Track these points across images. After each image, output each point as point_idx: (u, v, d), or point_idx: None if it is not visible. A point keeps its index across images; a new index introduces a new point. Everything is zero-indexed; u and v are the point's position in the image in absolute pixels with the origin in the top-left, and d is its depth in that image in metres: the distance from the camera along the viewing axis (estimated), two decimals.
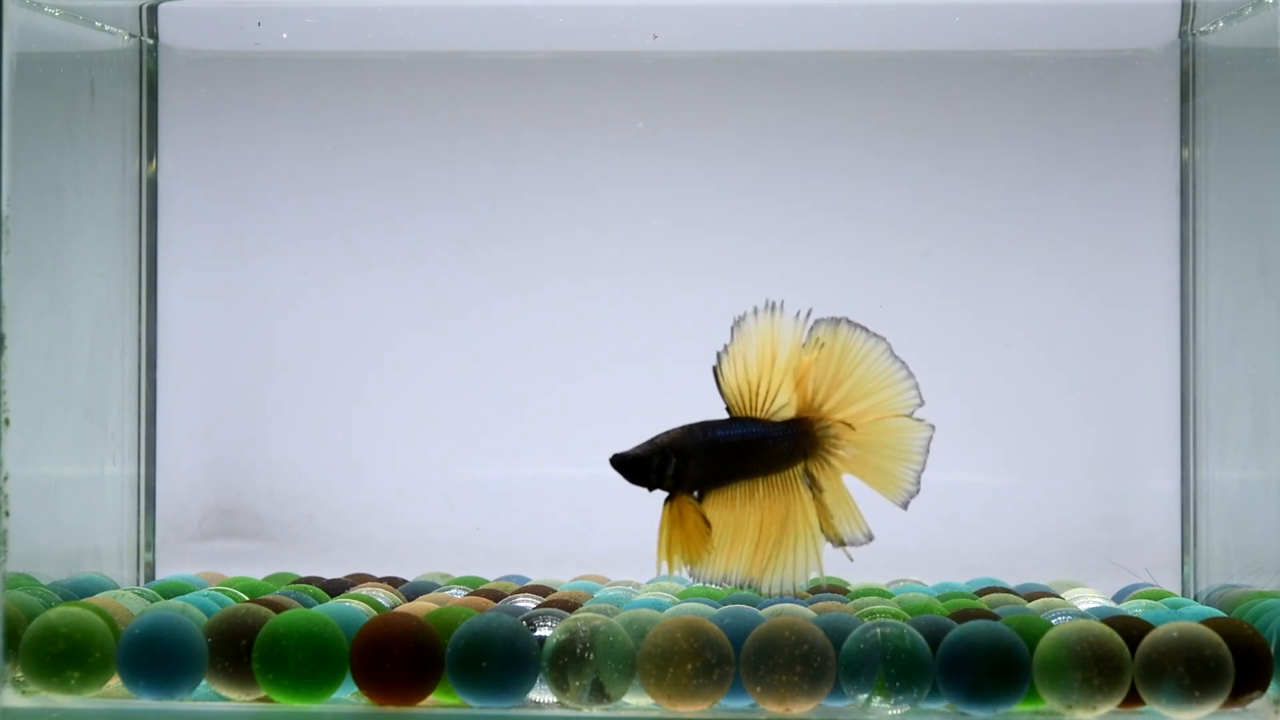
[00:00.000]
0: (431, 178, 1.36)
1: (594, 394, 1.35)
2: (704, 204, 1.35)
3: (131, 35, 1.32)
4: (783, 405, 1.06)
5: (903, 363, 1.07)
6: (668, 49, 1.33)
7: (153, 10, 1.32)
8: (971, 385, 1.34)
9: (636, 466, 1.05)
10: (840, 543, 1.08)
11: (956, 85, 1.34)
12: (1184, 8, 1.28)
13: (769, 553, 1.07)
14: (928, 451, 1.08)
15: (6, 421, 1.01)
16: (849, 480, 1.09)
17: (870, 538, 1.09)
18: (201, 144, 1.36)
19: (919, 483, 1.09)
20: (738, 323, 1.05)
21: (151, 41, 1.33)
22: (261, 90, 1.37)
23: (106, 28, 1.28)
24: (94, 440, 1.26)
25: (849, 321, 1.06)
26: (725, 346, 1.05)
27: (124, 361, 1.30)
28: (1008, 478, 1.34)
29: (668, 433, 1.06)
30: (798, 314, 1.05)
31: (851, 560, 1.08)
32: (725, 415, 1.07)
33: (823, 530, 1.07)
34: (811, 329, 1.06)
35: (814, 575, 1.08)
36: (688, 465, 1.05)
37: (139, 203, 1.32)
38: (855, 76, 1.34)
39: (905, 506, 1.09)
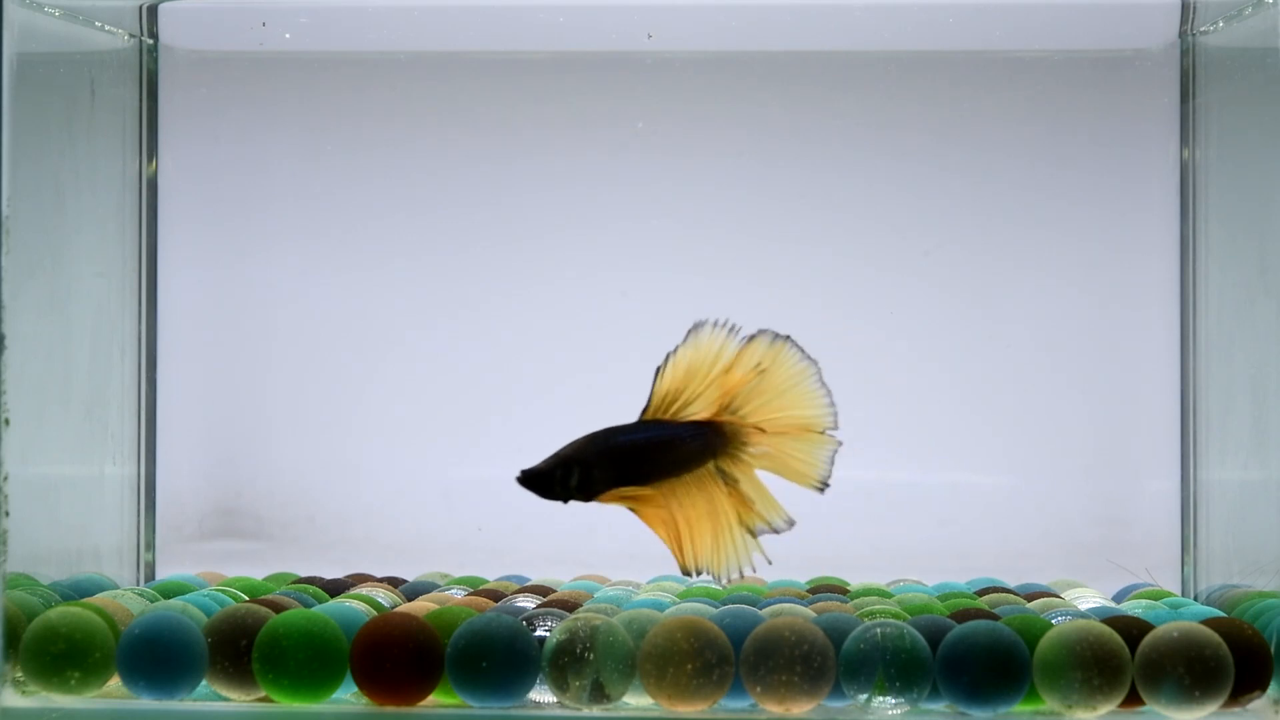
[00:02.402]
0: (431, 177, 1.36)
1: (594, 394, 1.35)
2: (704, 204, 1.35)
3: (131, 35, 1.32)
4: (696, 411, 1.06)
5: (828, 389, 1.07)
6: (668, 49, 1.33)
7: (153, 10, 1.32)
8: (971, 385, 1.34)
9: (541, 481, 1.04)
10: (765, 528, 1.07)
11: (956, 85, 1.34)
12: (1184, 8, 1.28)
13: (707, 544, 1.07)
14: (833, 462, 1.08)
15: (6, 421, 1.01)
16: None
17: (791, 523, 1.08)
18: (201, 144, 1.36)
19: (829, 478, 1.08)
20: (694, 329, 1.06)
21: (151, 41, 1.33)
22: (261, 90, 1.37)
23: (106, 28, 1.29)
24: (94, 440, 1.26)
25: (790, 341, 1.06)
26: (675, 349, 1.06)
27: (124, 361, 1.30)
28: (1008, 478, 1.34)
29: (572, 443, 1.06)
30: (751, 335, 1.05)
31: (770, 563, 1.08)
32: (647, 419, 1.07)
33: (742, 522, 1.07)
34: (752, 338, 1.06)
35: (755, 563, 1.08)
36: (593, 474, 1.04)
37: (139, 202, 1.32)
38: (855, 76, 1.34)
39: (821, 491, 1.08)
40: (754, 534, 1.07)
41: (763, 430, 1.07)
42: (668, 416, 1.06)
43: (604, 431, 1.06)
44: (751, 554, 1.08)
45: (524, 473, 1.05)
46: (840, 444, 1.08)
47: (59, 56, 1.21)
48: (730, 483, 1.07)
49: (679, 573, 1.08)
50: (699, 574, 1.08)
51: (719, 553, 1.07)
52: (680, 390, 1.06)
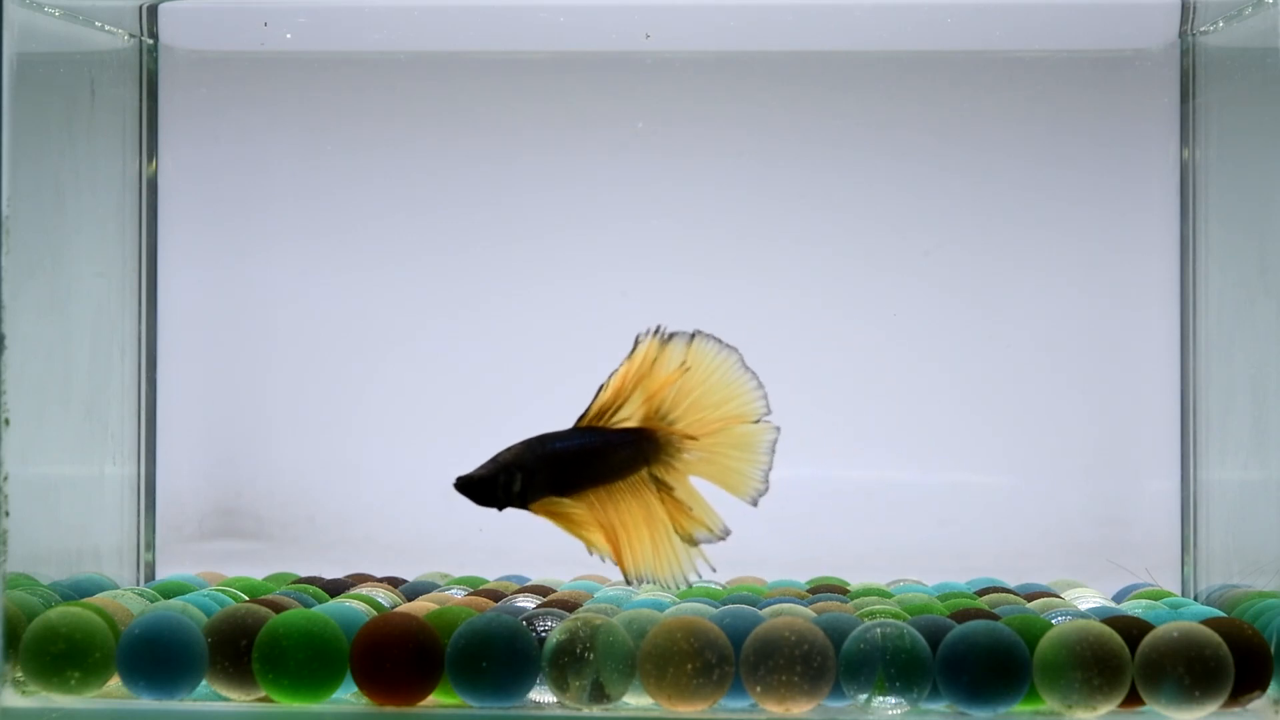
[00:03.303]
0: (431, 177, 1.36)
1: (593, 393, 1.35)
2: (704, 204, 1.35)
3: (131, 35, 1.32)
4: (626, 418, 1.06)
5: (753, 373, 1.06)
6: (668, 49, 1.33)
7: (153, 10, 1.32)
8: (971, 385, 1.34)
9: (482, 487, 1.04)
10: (694, 541, 1.07)
11: (956, 85, 1.34)
12: (1184, 8, 1.28)
13: (647, 551, 1.07)
14: (773, 451, 1.07)
15: (6, 421, 1.01)
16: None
17: (726, 533, 1.07)
18: (201, 144, 1.36)
19: (767, 480, 1.08)
20: (637, 341, 1.05)
21: (151, 41, 1.33)
22: (261, 90, 1.37)
23: (106, 28, 1.28)
24: (94, 440, 1.26)
25: (701, 334, 1.05)
26: (620, 364, 1.06)
27: (124, 361, 1.30)
28: (1008, 478, 1.34)
29: (508, 450, 1.05)
30: (688, 337, 1.05)
31: (714, 569, 1.07)
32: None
33: (677, 530, 1.07)
34: (667, 340, 1.05)
35: (699, 569, 1.07)
36: (533, 480, 1.04)
37: (139, 202, 1.32)
38: (855, 76, 1.34)
39: (755, 504, 1.08)
40: (694, 542, 1.07)
41: (694, 437, 1.06)
42: (601, 424, 1.06)
43: (539, 438, 1.05)
44: (695, 560, 1.07)
45: (462, 479, 1.04)
46: (778, 429, 1.07)
47: (59, 56, 1.21)
48: (664, 489, 1.07)
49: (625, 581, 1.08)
50: (642, 582, 1.07)
51: (659, 559, 1.07)
52: (612, 401, 1.06)
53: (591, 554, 1.06)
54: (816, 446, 1.35)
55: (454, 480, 1.04)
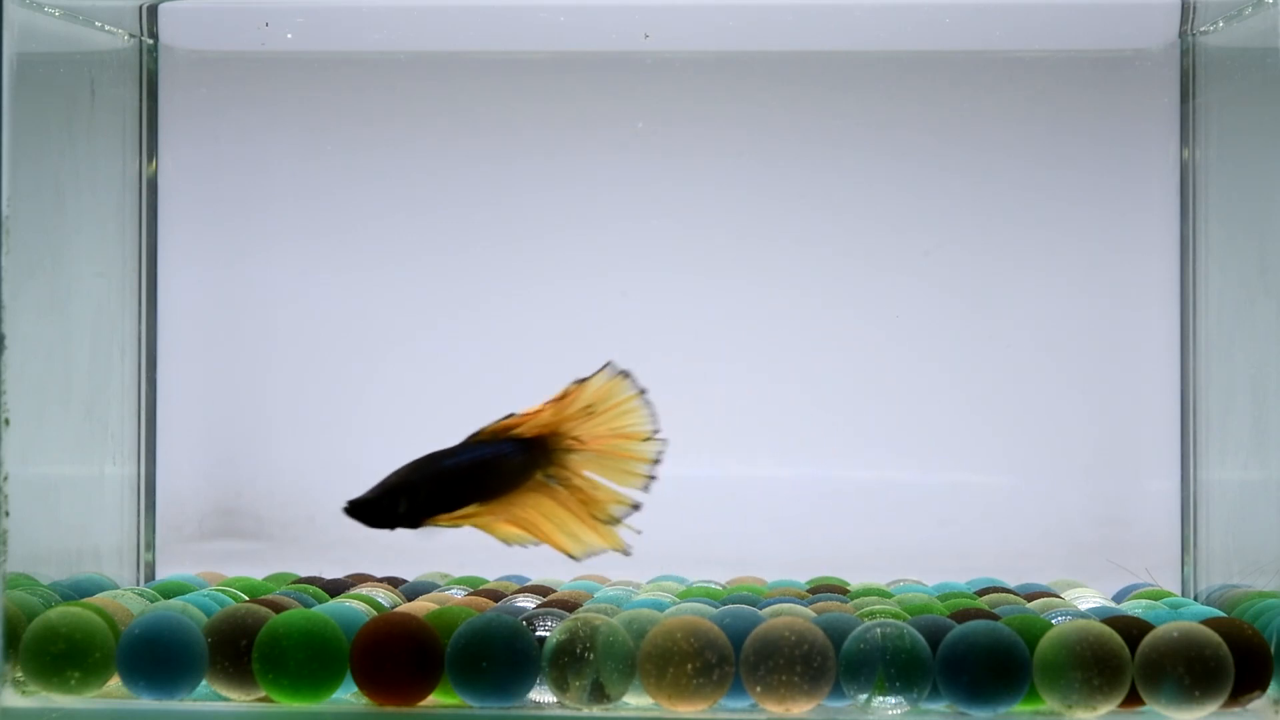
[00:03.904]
0: (431, 178, 1.36)
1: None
2: (704, 204, 1.35)
3: (131, 35, 1.32)
4: (521, 432, 1.07)
5: (646, 398, 1.07)
6: (668, 49, 1.33)
7: (153, 10, 1.32)
8: (971, 385, 1.34)
9: (369, 510, 1.04)
10: (612, 519, 1.08)
11: (956, 85, 1.34)
12: (1184, 8, 1.28)
13: (573, 529, 1.08)
14: (659, 458, 1.08)
15: (6, 421, 1.01)
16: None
17: (637, 506, 1.08)
18: (201, 144, 1.36)
19: (653, 473, 1.08)
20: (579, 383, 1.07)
21: (151, 41, 1.33)
22: (261, 90, 1.37)
23: (106, 28, 1.28)
24: (94, 440, 1.26)
25: (625, 372, 1.07)
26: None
27: (124, 361, 1.30)
28: (1008, 478, 1.34)
29: (397, 471, 1.06)
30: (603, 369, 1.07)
31: (639, 532, 1.08)
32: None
33: (591, 514, 1.07)
34: (583, 380, 1.07)
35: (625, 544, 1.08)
36: (419, 499, 1.05)
37: (139, 202, 1.32)
38: (855, 76, 1.34)
39: (645, 490, 1.08)
40: (612, 520, 1.08)
41: (581, 441, 1.07)
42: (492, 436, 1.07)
43: (429, 456, 1.06)
44: (618, 535, 1.08)
45: (351, 503, 1.04)
46: (666, 441, 1.08)
47: (59, 56, 1.21)
48: (563, 483, 1.08)
49: (566, 560, 1.09)
50: (585, 555, 1.08)
51: (584, 537, 1.08)
52: (517, 423, 1.07)
53: (510, 545, 1.07)
54: (816, 446, 1.35)
55: (343, 505, 1.04)
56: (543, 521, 1.07)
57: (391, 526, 1.05)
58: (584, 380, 1.07)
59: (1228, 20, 1.22)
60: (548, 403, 1.07)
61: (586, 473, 1.08)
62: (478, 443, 1.06)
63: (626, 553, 1.08)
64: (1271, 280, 1.14)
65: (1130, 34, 1.32)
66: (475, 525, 1.06)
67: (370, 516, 1.04)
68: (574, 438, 1.07)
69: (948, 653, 0.96)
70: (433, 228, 1.36)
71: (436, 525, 1.05)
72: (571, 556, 1.08)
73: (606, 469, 1.08)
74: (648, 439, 1.08)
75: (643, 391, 1.07)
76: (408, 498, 1.04)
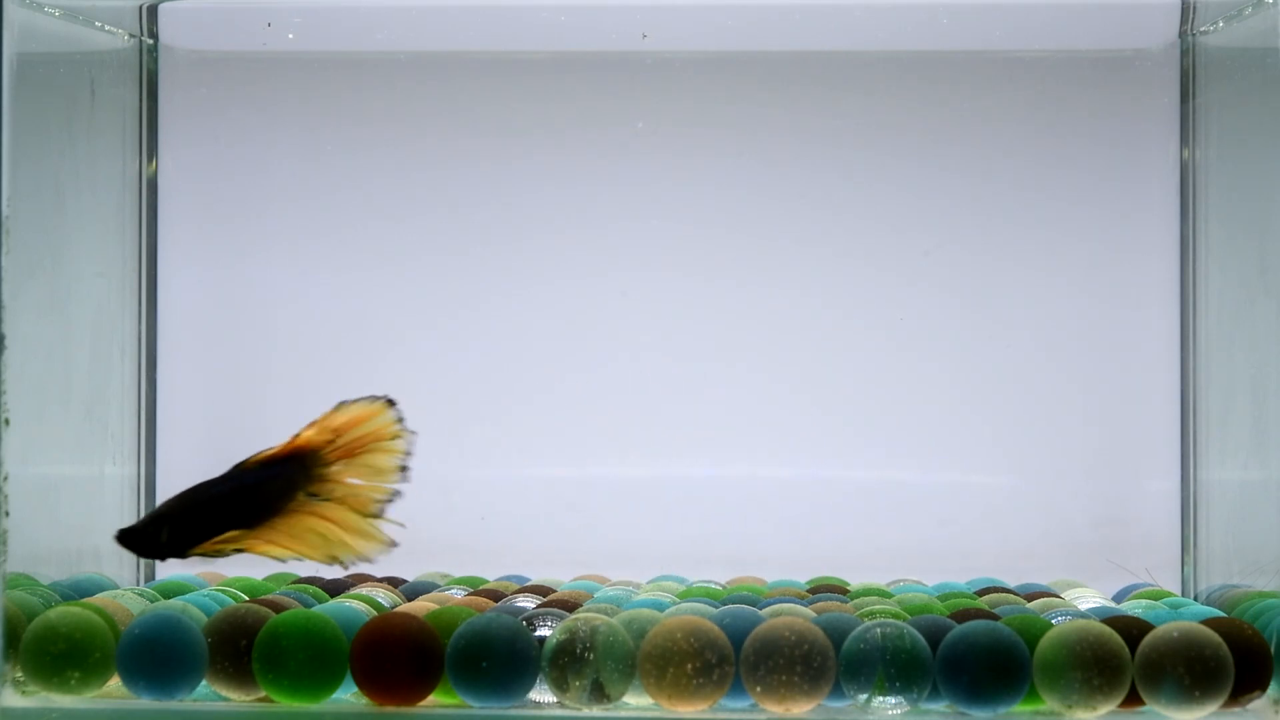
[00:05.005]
0: (431, 178, 1.36)
1: (594, 393, 1.35)
2: (704, 204, 1.35)
3: (131, 35, 1.32)
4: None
5: (392, 404, 1.11)
6: (667, 49, 1.33)
7: (153, 10, 1.32)
8: (971, 385, 1.34)
9: (136, 538, 1.07)
10: (376, 514, 1.10)
11: (956, 85, 1.34)
12: (1184, 8, 1.28)
13: (337, 535, 1.09)
14: (409, 451, 1.11)
15: (6, 421, 1.01)
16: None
17: (398, 493, 1.10)
18: (201, 144, 1.36)
19: (404, 464, 1.11)
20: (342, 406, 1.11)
21: (151, 41, 1.33)
22: (261, 90, 1.37)
23: (106, 28, 1.28)
24: (94, 440, 1.26)
25: (390, 400, 1.11)
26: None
27: (124, 361, 1.30)
28: (1008, 478, 1.34)
29: (167, 502, 1.09)
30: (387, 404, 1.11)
31: (404, 526, 1.09)
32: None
33: (360, 511, 1.09)
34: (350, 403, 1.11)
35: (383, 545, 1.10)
36: (181, 527, 1.07)
37: (139, 202, 1.32)
38: (855, 76, 1.34)
39: (401, 480, 1.11)
40: (376, 514, 1.10)
41: (330, 441, 1.10)
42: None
43: (197, 485, 1.09)
44: (381, 529, 1.10)
45: (121, 531, 1.07)
46: (414, 434, 1.10)
47: (59, 56, 1.21)
48: (327, 495, 1.09)
49: (333, 569, 1.11)
50: (345, 565, 1.09)
51: (350, 538, 1.10)
52: (280, 450, 1.10)
53: (285, 561, 1.10)
54: (816, 446, 1.35)
55: (115, 533, 1.07)
56: (307, 535, 1.10)
57: (160, 556, 1.08)
58: (346, 402, 1.11)
59: (1228, 20, 1.22)
60: (307, 426, 1.09)
61: (348, 479, 1.11)
62: (241, 470, 1.09)
63: (393, 543, 1.10)
64: (1271, 280, 1.13)
65: (1130, 34, 1.32)
66: (241, 549, 1.09)
67: (136, 545, 1.07)
68: (328, 450, 1.10)
69: (948, 653, 0.96)
70: (432, 228, 1.36)
71: (203, 554, 1.08)
72: (339, 564, 1.10)
73: (362, 470, 1.11)
74: (396, 436, 1.11)
75: (393, 403, 1.11)
76: (170, 526, 1.07)
